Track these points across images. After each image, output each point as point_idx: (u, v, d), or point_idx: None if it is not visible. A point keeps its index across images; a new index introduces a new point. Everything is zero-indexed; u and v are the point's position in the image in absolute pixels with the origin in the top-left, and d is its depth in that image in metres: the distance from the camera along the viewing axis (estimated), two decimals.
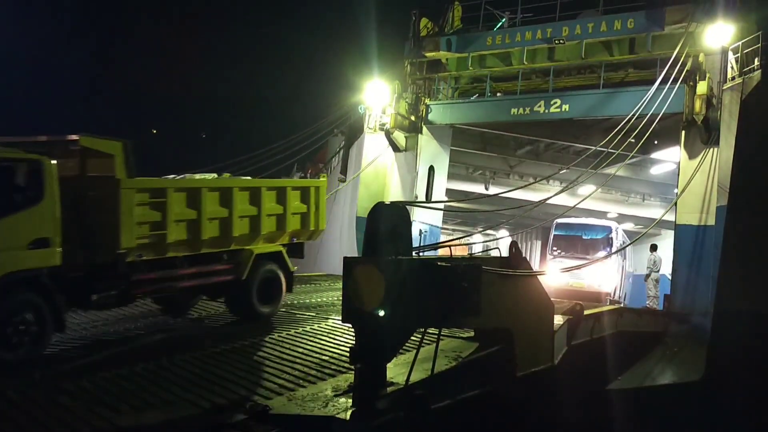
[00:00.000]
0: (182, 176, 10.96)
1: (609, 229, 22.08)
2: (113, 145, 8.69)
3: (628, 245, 22.49)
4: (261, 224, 10.69)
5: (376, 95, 20.44)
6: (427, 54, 20.81)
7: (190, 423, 6.09)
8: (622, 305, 21.94)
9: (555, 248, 21.96)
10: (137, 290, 9.23)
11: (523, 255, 10.22)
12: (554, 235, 22.17)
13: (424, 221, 20.18)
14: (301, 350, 8.86)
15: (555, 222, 22.41)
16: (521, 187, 22.16)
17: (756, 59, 15.15)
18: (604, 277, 20.70)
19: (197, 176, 11.00)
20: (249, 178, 11.57)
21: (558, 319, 10.44)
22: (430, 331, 7.48)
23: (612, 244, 21.52)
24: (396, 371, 7.11)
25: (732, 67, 15.80)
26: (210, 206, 9.77)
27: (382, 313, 6.42)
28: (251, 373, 7.67)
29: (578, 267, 17.47)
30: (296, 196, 11.50)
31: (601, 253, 20.85)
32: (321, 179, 12.52)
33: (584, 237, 21.71)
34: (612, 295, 21.54)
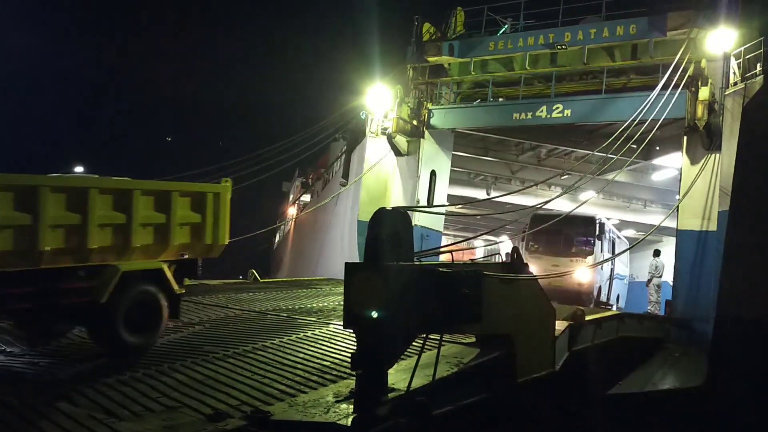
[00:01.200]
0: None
1: (592, 221, 20.47)
2: None
3: (624, 251, 22.33)
4: (132, 235, 8.71)
5: (379, 99, 20.46)
6: (430, 59, 20.83)
7: (190, 429, 6.08)
8: (612, 308, 21.66)
9: (533, 244, 20.43)
10: None
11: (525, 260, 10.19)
12: (531, 228, 20.19)
13: (425, 226, 20.17)
14: (302, 356, 8.83)
15: (532, 214, 20.91)
16: (520, 190, 22.06)
17: (758, 65, 15.19)
18: (585, 275, 19.34)
19: None
20: (127, 179, 9.48)
21: (559, 325, 10.42)
22: (432, 337, 7.47)
23: (595, 238, 20.20)
24: (397, 377, 7.09)
25: (734, 73, 15.82)
26: (52, 210, 7.89)
27: (375, 314, 6.41)
28: (252, 379, 7.65)
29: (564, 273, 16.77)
30: (185, 204, 9.50)
31: (585, 249, 19.86)
32: (223, 184, 10.33)
33: (564, 231, 19.58)
34: (595, 295, 20.33)
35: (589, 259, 19.82)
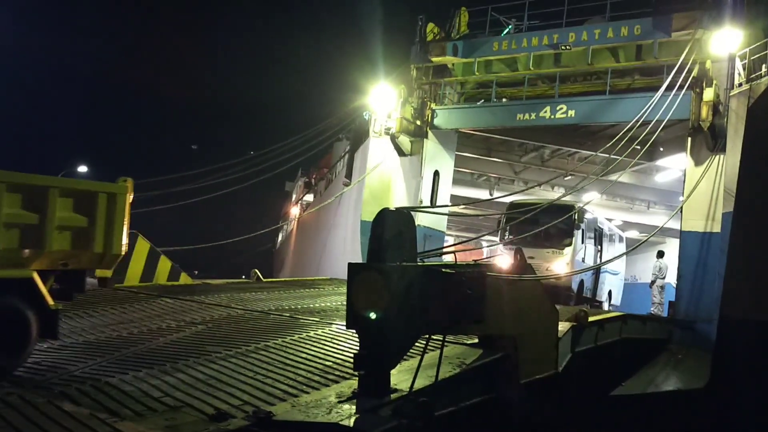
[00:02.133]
0: None
1: (570, 209, 18.28)
2: None
3: (624, 254, 22.17)
4: None
5: (382, 99, 20.46)
6: (433, 59, 20.83)
7: (192, 429, 6.07)
8: (601, 306, 21.39)
9: (508, 234, 19.02)
10: None
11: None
12: (507, 218, 18.53)
13: (428, 226, 20.15)
14: (304, 356, 8.81)
15: (508, 203, 19.91)
16: (523, 191, 21.99)
17: (763, 66, 15.14)
18: (562, 268, 18.17)
19: None
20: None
21: (562, 326, 10.41)
22: (435, 338, 7.46)
23: (576, 229, 19.03)
24: (400, 378, 7.08)
25: (739, 74, 15.77)
26: None
27: (373, 316, 6.40)
28: (254, 379, 7.64)
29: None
30: (67, 204, 7.93)
31: (565, 240, 18.92)
32: (120, 183, 8.63)
33: (540, 220, 17.07)
34: (576, 290, 19.15)
35: (567, 251, 18.88)
